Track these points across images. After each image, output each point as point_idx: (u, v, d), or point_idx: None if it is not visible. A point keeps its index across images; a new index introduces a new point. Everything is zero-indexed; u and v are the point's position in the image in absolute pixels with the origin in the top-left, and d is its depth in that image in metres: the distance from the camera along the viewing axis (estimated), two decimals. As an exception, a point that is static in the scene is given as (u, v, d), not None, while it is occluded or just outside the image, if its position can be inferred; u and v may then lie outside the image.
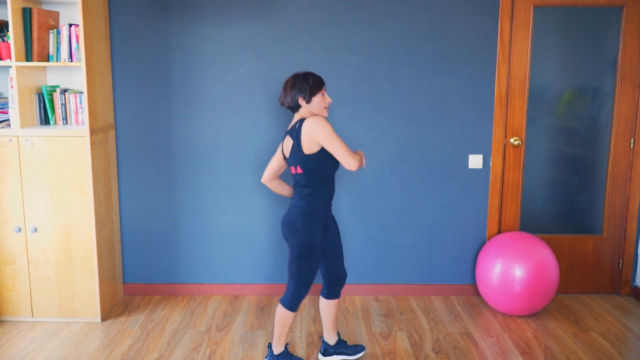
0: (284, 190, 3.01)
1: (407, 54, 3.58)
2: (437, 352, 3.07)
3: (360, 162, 2.71)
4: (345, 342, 3.04)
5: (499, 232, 3.77)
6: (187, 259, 3.81)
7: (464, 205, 3.74)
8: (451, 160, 3.69)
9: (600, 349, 3.11)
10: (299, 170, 2.69)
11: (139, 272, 3.82)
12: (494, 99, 3.62)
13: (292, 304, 2.76)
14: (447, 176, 3.71)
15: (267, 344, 3.12)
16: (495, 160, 3.68)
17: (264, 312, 3.59)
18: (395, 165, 3.69)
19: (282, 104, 2.75)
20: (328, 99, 2.73)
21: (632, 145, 3.69)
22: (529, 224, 3.80)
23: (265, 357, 2.89)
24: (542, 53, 3.63)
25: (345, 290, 3.82)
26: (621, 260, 3.81)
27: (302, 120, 2.67)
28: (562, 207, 3.84)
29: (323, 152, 2.66)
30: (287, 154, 2.73)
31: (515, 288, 3.32)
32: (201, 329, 3.36)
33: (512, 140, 3.67)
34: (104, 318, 3.46)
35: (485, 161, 3.70)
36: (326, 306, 2.96)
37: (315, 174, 2.69)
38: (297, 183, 2.74)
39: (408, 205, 3.74)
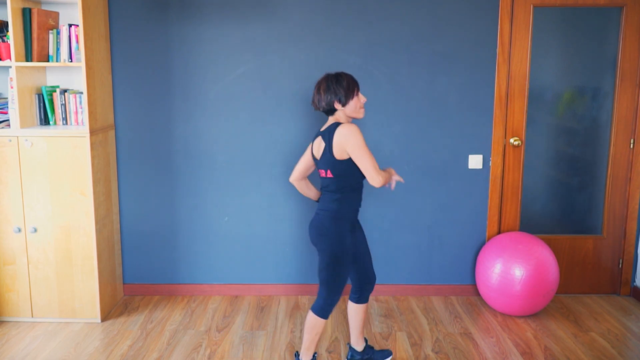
0: (311, 192, 2.93)
1: (407, 54, 3.58)
2: (437, 353, 3.07)
3: (386, 181, 2.61)
4: (372, 348, 2.99)
5: (499, 232, 3.77)
6: (187, 259, 3.81)
7: (464, 205, 3.74)
8: (451, 160, 3.69)
9: (600, 349, 3.11)
10: (329, 174, 2.61)
11: (138, 273, 3.82)
12: (494, 99, 3.62)
13: (324, 311, 2.67)
14: (447, 176, 3.70)
15: (294, 353, 2.95)
16: (495, 161, 3.68)
17: (263, 312, 3.59)
18: (395, 165, 3.69)
19: (317, 108, 2.67)
20: (363, 99, 2.65)
21: (631, 146, 3.69)
22: (529, 224, 3.80)
23: None
24: (542, 53, 3.63)
25: (344, 290, 3.82)
26: (621, 261, 3.81)
27: (336, 124, 2.59)
28: (562, 207, 3.84)
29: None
30: (318, 156, 2.65)
31: (515, 288, 3.32)
32: (201, 329, 3.36)
33: (512, 140, 3.67)
34: (104, 318, 3.46)
35: (485, 161, 3.70)
36: (355, 311, 2.88)
37: (345, 179, 2.61)
38: (327, 187, 2.65)
39: (408, 205, 3.74)
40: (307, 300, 3.77)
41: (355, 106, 2.62)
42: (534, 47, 3.60)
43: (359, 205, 2.72)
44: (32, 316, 3.42)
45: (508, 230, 3.76)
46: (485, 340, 3.23)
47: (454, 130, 3.66)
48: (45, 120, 3.42)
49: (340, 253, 2.61)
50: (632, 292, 3.83)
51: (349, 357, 2.96)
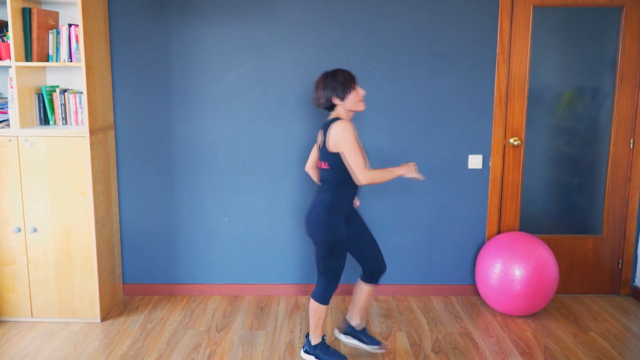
0: None
1: (407, 54, 3.58)
2: (436, 353, 3.07)
3: (375, 179, 2.68)
4: (365, 329, 3.08)
5: (499, 232, 3.77)
6: (187, 259, 3.81)
7: (464, 205, 3.74)
8: (451, 160, 3.69)
9: (599, 349, 3.11)
10: (325, 166, 2.75)
11: (138, 273, 3.81)
12: (494, 99, 3.62)
13: (324, 298, 2.80)
14: (447, 176, 3.70)
15: (305, 333, 3.18)
16: (495, 161, 3.68)
17: (263, 312, 3.59)
18: (395, 166, 3.68)
19: (318, 106, 2.77)
20: (361, 92, 2.75)
21: (631, 146, 3.69)
22: (529, 224, 3.80)
23: (303, 347, 2.97)
24: (542, 53, 3.63)
25: (344, 290, 3.82)
26: (621, 261, 3.81)
27: (334, 119, 2.71)
28: (562, 207, 3.84)
29: None
30: (320, 147, 2.79)
31: (514, 288, 3.32)
32: (201, 329, 3.36)
33: (511, 140, 3.67)
34: (104, 318, 3.46)
35: (485, 161, 3.70)
36: (361, 288, 3.00)
37: (340, 171, 2.72)
38: (323, 178, 2.80)
39: (408, 205, 3.74)
40: (307, 300, 3.77)
41: (354, 99, 2.72)
42: (534, 47, 3.60)
43: (354, 196, 2.84)
44: (32, 316, 3.41)
45: (508, 230, 3.76)
46: (485, 340, 3.23)
47: (453, 130, 3.66)
48: (45, 120, 3.42)
49: (335, 243, 2.73)
50: (631, 292, 3.83)
51: (341, 325, 3.08)
